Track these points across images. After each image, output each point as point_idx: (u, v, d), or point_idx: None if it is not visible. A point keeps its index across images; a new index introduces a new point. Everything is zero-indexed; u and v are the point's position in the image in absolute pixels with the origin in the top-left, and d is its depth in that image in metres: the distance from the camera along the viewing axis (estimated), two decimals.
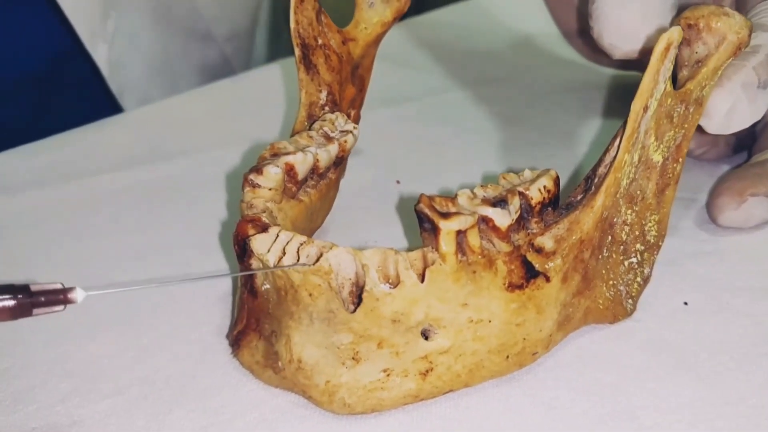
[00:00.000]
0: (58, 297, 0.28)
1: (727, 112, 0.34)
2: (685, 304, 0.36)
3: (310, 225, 0.37)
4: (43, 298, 0.28)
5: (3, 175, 0.48)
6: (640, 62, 0.53)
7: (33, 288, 0.28)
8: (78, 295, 0.28)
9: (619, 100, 0.55)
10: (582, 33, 0.54)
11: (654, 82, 0.30)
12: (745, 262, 0.39)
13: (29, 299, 0.28)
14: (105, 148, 0.52)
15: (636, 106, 0.30)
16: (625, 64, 0.54)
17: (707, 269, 0.38)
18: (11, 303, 0.28)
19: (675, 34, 0.30)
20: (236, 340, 0.33)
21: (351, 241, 0.39)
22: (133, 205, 0.45)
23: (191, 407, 0.31)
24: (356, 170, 0.43)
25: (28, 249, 0.41)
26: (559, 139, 0.51)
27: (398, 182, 0.46)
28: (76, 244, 0.41)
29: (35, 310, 0.28)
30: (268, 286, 0.30)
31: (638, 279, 0.35)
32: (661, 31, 0.37)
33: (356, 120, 0.42)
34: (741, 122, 0.35)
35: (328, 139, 0.36)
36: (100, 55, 0.62)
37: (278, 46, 0.81)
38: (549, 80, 0.59)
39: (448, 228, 0.28)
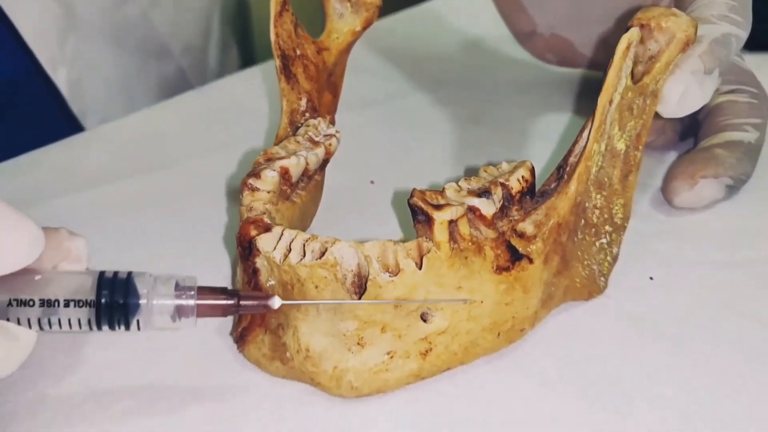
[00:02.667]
0: (261, 303, 0.32)
1: (680, 97, 0.37)
2: (651, 279, 0.39)
3: (302, 225, 0.39)
4: (249, 302, 0.32)
5: None
6: (586, 60, 0.56)
7: (242, 294, 0.32)
8: (275, 302, 0.31)
9: (569, 97, 0.58)
10: (533, 34, 0.57)
11: (617, 78, 0.33)
12: (701, 239, 0.42)
13: (239, 302, 0.32)
14: (78, 165, 0.53)
15: (602, 99, 0.33)
16: (571, 63, 0.57)
17: (667, 246, 0.42)
18: (227, 303, 0.32)
19: (634, 34, 0.33)
20: (241, 336, 0.34)
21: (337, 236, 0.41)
22: (120, 219, 0.46)
23: (204, 404, 0.33)
24: (331, 173, 0.45)
25: None
26: (518, 136, 0.54)
27: (372, 182, 0.49)
28: None
29: (242, 311, 0.32)
30: (273, 282, 0.32)
31: (608, 258, 0.38)
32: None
33: (332, 124, 0.44)
34: (693, 105, 0.38)
35: (314, 143, 0.38)
36: (60, 78, 0.63)
37: (228, 59, 0.83)
38: (502, 81, 0.62)
39: (441, 218, 0.31)
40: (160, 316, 0.31)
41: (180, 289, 0.31)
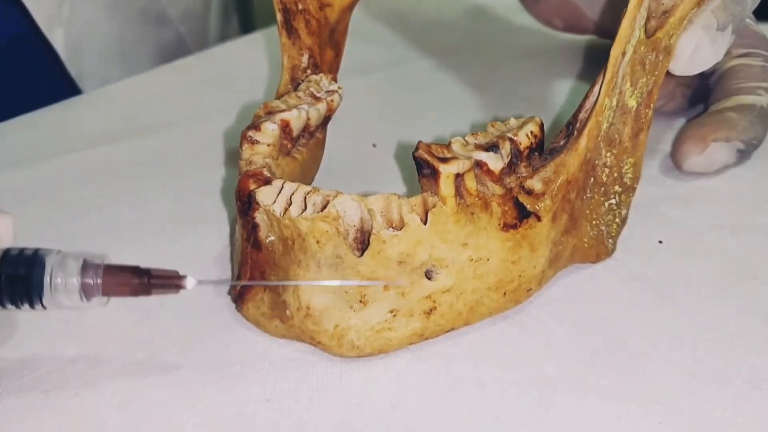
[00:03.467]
0: (174, 282, 0.31)
1: (692, 53, 0.36)
2: (660, 242, 0.38)
3: (302, 182, 0.38)
4: (161, 281, 0.30)
5: None
6: (592, 25, 0.55)
7: (153, 272, 0.30)
8: (189, 282, 0.30)
9: (575, 64, 0.57)
10: None
11: (631, 29, 0.32)
12: (711, 204, 0.41)
13: (149, 281, 0.30)
14: (77, 126, 0.52)
15: (615, 51, 0.32)
16: (577, 28, 0.56)
17: (677, 211, 0.41)
18: (135, 281, 0.30)
19: None
20: (240, 295, 0.33)
21: None
22: (119, 179, 0.45)
23: (200, 363, 0.32)
24: (333, 135, 0.44)
25: (17, 228, 0.41)
26: (523, 102, 0.53)
27: (374, 145, 0.48)
28: (66, 220, 0.41)
29: (153, 291, 0.31)
30: (272, 237, 0.31)
31: (617, 220, 0.37)
32: None
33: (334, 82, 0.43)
34: (704, 62, 0.37)
35: (315, 98, 0.37)
36: (57, 39, 0.62)
37: (229, 28, 0.82)
38: (507, 47, 0.61)
39: (447, 171, 0.30)
40: (65, 294, 0.31)
41: (88, 266, 0.31)
